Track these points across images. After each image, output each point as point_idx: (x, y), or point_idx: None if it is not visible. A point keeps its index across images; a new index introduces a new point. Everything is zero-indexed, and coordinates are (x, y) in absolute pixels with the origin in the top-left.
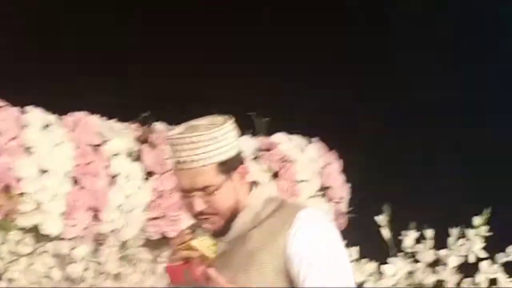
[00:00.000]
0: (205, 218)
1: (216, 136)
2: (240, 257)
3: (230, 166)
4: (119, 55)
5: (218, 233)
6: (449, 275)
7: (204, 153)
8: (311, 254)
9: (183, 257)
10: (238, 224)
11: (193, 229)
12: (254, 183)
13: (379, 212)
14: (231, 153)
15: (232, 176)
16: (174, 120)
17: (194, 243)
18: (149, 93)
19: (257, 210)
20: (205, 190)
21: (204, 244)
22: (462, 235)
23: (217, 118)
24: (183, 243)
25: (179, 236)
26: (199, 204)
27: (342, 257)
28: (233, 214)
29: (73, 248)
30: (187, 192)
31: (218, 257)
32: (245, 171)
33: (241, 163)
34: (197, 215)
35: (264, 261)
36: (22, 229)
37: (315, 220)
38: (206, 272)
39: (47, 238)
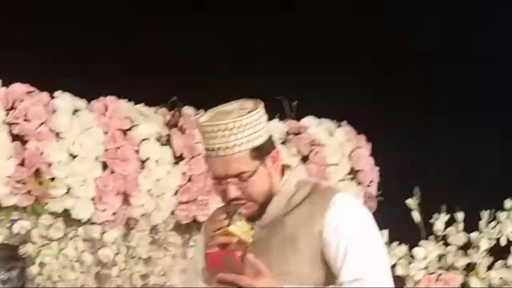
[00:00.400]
0: (240, 204)
1: (248, 122)
2: (276, 243)
3: (263, 151)
4: (146, 41)
5: (252, 218)
6: (480, 258)
7: (237, 139)
8: (348, 239)
9: (221, 243)
10: (272, 209)
11: (230, 214)
12: (286, 167)
13: (409, 195)
14: (263, 138)
15: (265, 161)
16: (202, 104)
17: (231, 228)
18: (177, 78)
19: (290, 195)
20: (240, 176)
21: (241, 229)
22: (494, 218)
23: (247, 103)
24: (220, 229)
25: (215, 222)
26: (234, 191)
27: (378, 242)
28: (267, 199)
29: (104, 232)
30: (220, 179)
31: (254, 242)
32: (278, 155)
33: (273, 147)
34: (231, 202)
35: (300, 246)
36: (53, 213)
37: (350, 205)
38: (246, 258)
39: (78, 222)
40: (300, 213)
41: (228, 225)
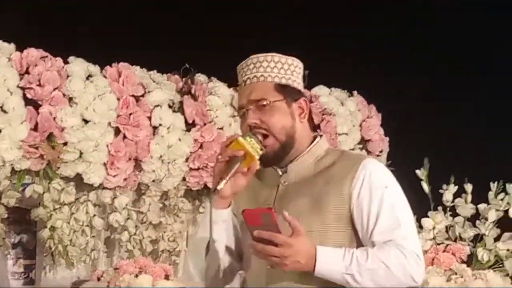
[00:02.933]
0: (259, 133)
1: (281, 61)
2: (303, 202)
3: (288, 92)
4: (160, 8)
5: (274, 160)
6: (488, 230)
7: (265, 72)
8: (380, 202)
9: (228, 155)
10: (298, 168)
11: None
12: (318, 135)
13: (418, 166)
14: (293, 84)
15: (289, 102)
16: (214, 72)
17: (240, 139)
18: (188, 46)
19: (318, 157)
20: (260, 103)
21: (250, 144)
22: (502, 190)
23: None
24: (230, 143)
25: (227, 138)
26: (252, 116)
27: (406, 205)
28: (288, 142)
29: (115, 198)
30: (242, 108)
31: (279, 200)
32: (305, 106)
33: (301, 97)
34: (251, 131)
35: (328, 206)
36: (65, 178)
37: (381, 169)
38: (284, 215)
39: (89, 187)
40: (329, 175)
41: (239, 137)
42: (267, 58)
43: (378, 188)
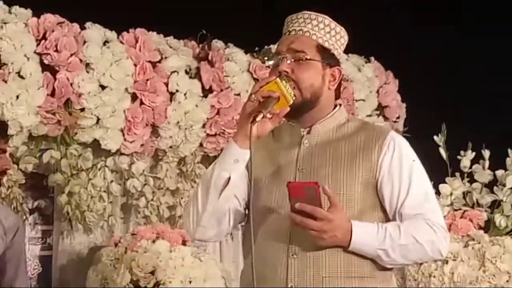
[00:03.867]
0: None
1: (330, 26)
2: (329, 165)
3: (327, 56)
4: None
5: (293, 112)
6: (505, 196)
7: (312, 29)
8: (410, 174)
9: (264, 95)
10: (321, 130)
11: (277, 75)
12: (339, 104)
13: (436, 132)
14: (334, 51)
15: (325, 67)
16: (230, 39)
17: (278, 80)
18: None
19: (341, 123)
20: (297, 54)
21: (286, 88)
22: None
23: None
24: (267, 82)
25: (263, 80)
26: (286, 65)
27: (429, 182)
28: (312, 100)
29: (132, 163)
30: (279, 54)
31: (302, 160)
32: (338, 75)
33: (337, 65)
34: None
35: (356, 171)
36: (82, 144)
37: (406, 143)
38: (325, 190)
39: (106, 153)
40: (355, 142)
41: (276, 78)
42: (318, 18)
43: (407, 161)
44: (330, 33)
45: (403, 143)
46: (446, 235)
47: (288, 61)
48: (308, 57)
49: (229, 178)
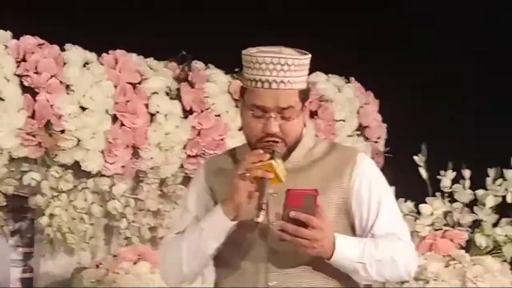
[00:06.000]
0: (274, 142)
1: (303, 64)
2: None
3: (305, 96)
4: None
5: None
6: (486, 215)
7: (292, 77)
8: (379, 196)
9: (257, 175)
10: (293, 157)
11: (269, 150)
12: (304, 125)
13: (416, 152)
14: (306, 85)
15: (304, 106)
16: (211, 59)
17: (274, 164)
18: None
19: (309, 147)
20: (285, 112)
21: (279, 166)
22: (500, 175)
23: (288, 49)
24: (260, 162)
25: (254, 154)
26: (275, 125)
27: (395, 203)
28: (294, 146)
29: (113, 185)
30: (264, 112)
31: (275, 189)
32: (308, 106)
33: (309, 97)
34: (265, 137)
35: (329, 195)
36: (62, 165)
37: (374, 164)
38: (319, 204)
39: (87, 174)
40: (326, 166)
41: (270, 159)
42: (294, 61)
43: (377, 183)
44: (303, 70)
45: (371, 165)
46: (415, 255)
47: (275, 121)
48: (296, 113)
49: (218, 247)
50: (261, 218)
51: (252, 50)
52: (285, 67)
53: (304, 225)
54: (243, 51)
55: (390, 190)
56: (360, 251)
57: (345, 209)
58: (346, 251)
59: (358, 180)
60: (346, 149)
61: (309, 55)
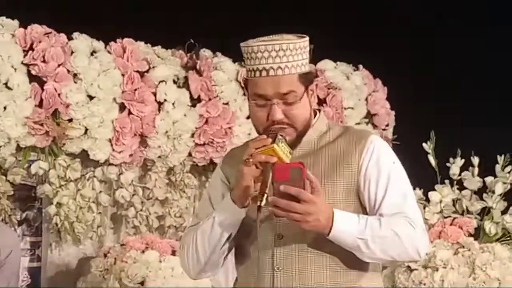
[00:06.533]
0: (281, 128)
1: (301, 47)
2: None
3: (307, 79)
4: None
5: (290, 146)
6: (495, 203)
7: (289, 62)
8: (388, 175)
9: (261, 161)
10: (305, 143)
11: (271, 136)
12: (318, 110)
13: (425, 139)
14: (308, 68)
15: (308, 91)
16: (219, 47)
17: (276, 147)
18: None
19: (322, 132)
20: (287, 97)
21: (283, 150)
22: (509, 163)
23: (290, 35)
24: (263, 147)
25: (258, 140)
26: (278, 112)
27: (409, 184)
28: (304, 130)
29: (120, 174)
30: (266, 100)
31: None
32: (315, 89)
33: (313, 80)
34: (272, 125)
35: (336, 179)
36: (70, 154)
37: (385, 145)
38: (308, 174)
39: (95, 163)
40: (336, 149)
41: (272, 143)
42: (289, 45)
43: (386, 163)
44: (301, 53)
45: (382, 146)
46: (425, 236)
47: (278, 107)
48: (298, 96)
49: (230, 236)
50: (263, 202)
51: (250, 41)
52: (280, 53)
53: (296, 199)
54: (241, 44)
55: (401, 172)
56: (361, 226)
57: (355, 191)
58: (346, 226)
59: (366, 161)
60: (358, 132)
61: (306, 38)
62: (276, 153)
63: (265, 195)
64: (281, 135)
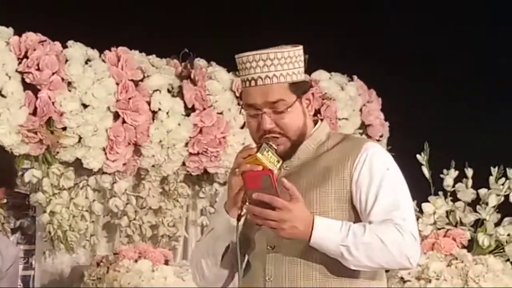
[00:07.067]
0: (273, 137)
1: (289, 56)
2: (304, 183)
3: (300, 88)
4: None
5: (284, 157)
6: (488, 215)
7: (277, 71)
8: (380, 182)
9: (246, 170)
10: (302, 153)
11: (260, 144)
12: (320, 119)
13: (419, 151)
14: (301, 77)
15: (301, 99)
16: (213, 57)
17: (259, 156)
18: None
19: (320, 142)
20: (277, 106)
21: (268, 159)
22: (503, 175)
23: (286, 46)
24: (248, 156)
25: (244, 150)
26: (269, 121)
27: (405, 188)
28: (299, 138)
29: (114, 183)
30: (256, 109)
31: (280, 183)
32: (312, 97)
33: (309, 89)
34: (264, 135)
35: (328, 187)
36: (64, 163)
37: (381, 152)
38: (283, 181)
39: (88, 172)
40: (330, 157)
41: (256, 152)
42: (277, 55)
43: (378, 170)
44: (292, 62)
45: (376, 152)
46: (415, 242)
47: (268, 117)
48: (288, 105)
49: (228, 246)
50: (243, 211)
51: (244, 53)
52: (268, 62)
53: (273, 207)
54: (236, 55)
55: (396, 178)
56: (343, 233)
57: (348, 200)
58: (326, 233)
59: (358, 170)
60: (355, 140)
61: (298, 47)
62: (260, 162)
63: (246, 205)
64: (266, 144)
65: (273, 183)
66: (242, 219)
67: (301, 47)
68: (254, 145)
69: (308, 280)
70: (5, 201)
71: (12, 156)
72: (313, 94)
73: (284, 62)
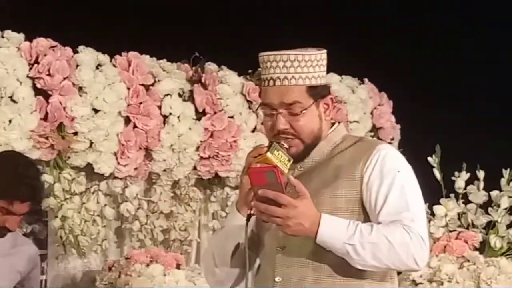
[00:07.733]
0: (286, 138)
1: (310, 60)
2: (315, 184)
3: (318, 92)
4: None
5: (297, 159)
6: (500, 217)
7: (296, 73)
8: (391, 183)
9: (251, 166)
10: (316, 154)
11: (270, 144)
12: (337, 122)
13: (430, 153)
14: (321, 81)
15: (319, 104)
16: (224, 61)
17: (269, 155)
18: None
19: (335, 144)
20: (293, 108)
21: (278, 159)
22: None
23: (310, 48)
24: (258, 156)
25: (255, 149)
26: (283, 122)
27: (416, 189)
28: (314, 142)
29: (125, 187)
30: (272, 109)
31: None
32: (331, 103)
33: (329, 94)
34: (277, 135)
35: (339, 188)
36: (75, 168)
37: (394, 153)
38: (289, 178)
39: (100, 177)
40: (342, 158)
41: (267, 152)
42: (298, 57)
43: (390, 171)
44: (313, 65)
45: (388, 153)
46: (423, 244)
47: (283, 117)
48: (303, 108)
49: (238, 244)
50: (253, 210)
51: (266, 52)
52: (287, 63)
53: (278, 203)
54: (259, 54)
55: (407, 180)
56: (350, 232)
57: (358, 201)
58: (333, 231)
59: (369, 171)
60: (369, 142)
61: (321, 51)
62: (270, 161)
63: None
64: (277, 143)
65: (278, 180)
66: (253, 219)
67: (324, 51)
68: (266, 145)
69: (317, 282)
70: None
71: (40, 172)
72: (332, 99)
73: (305, 65)
